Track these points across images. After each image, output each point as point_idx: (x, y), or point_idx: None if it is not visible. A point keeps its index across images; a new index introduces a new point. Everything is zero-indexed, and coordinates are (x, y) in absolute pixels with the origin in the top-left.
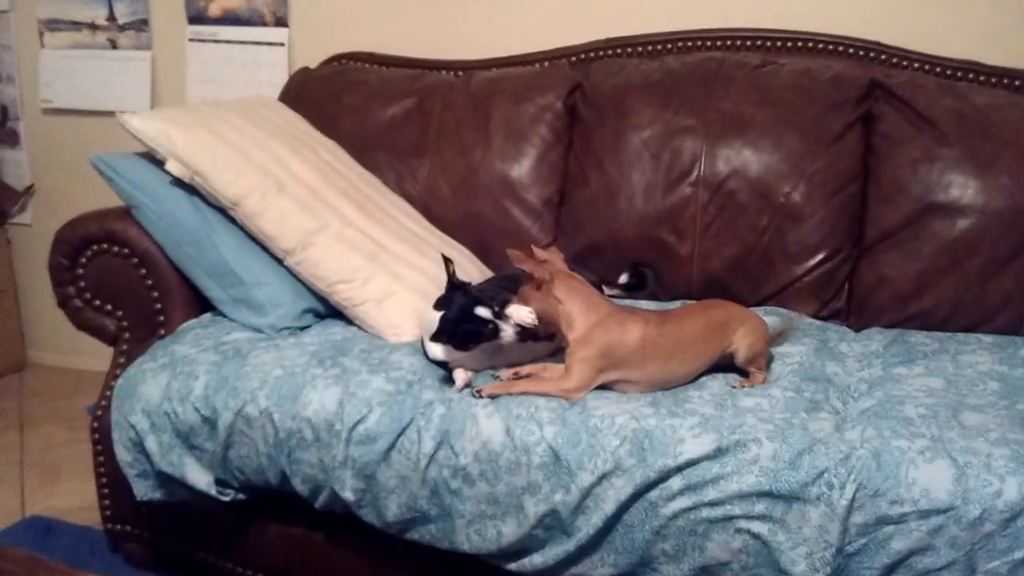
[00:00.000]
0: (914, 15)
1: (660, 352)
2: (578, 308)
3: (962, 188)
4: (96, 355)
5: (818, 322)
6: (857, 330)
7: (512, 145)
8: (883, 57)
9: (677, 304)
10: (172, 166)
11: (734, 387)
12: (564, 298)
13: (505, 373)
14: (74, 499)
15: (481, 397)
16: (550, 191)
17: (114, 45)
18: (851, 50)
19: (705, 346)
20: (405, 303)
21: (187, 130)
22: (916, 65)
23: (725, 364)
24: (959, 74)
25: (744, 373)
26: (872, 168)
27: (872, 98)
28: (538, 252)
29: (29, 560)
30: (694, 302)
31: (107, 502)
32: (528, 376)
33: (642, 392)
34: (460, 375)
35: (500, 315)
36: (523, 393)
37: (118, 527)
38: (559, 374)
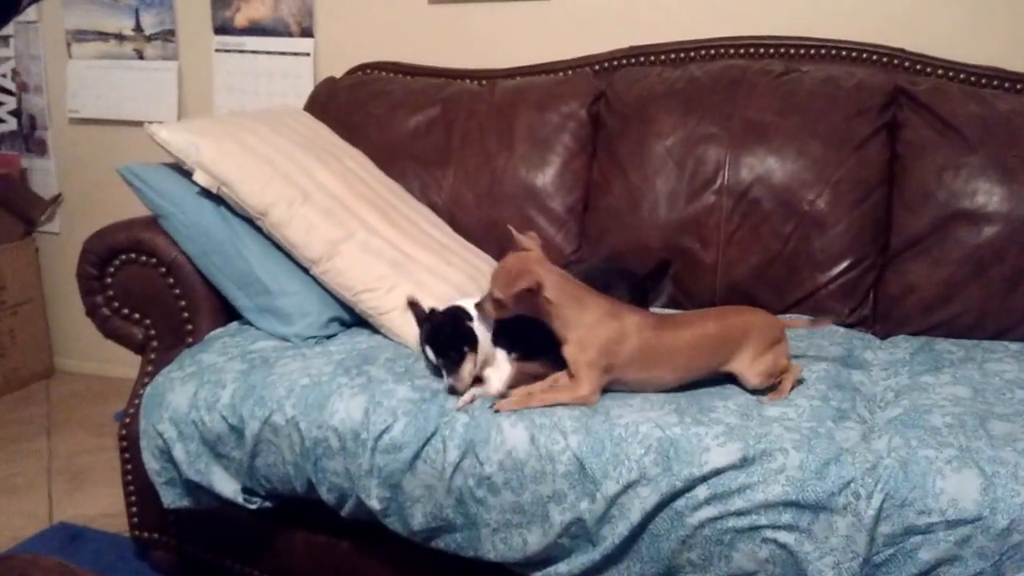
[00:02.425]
0: (938, 21)
1: (654, 355)
2: (571, 309)
3: (987, 195)
4: (123, 362)
5: (843, 330)
6: (883, 338)
7: (536, 153)
8: (907, 64)
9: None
10: (199, 176)
11: (761, 401)
12: (555, 299)
13: (518, 390)
14: (101, 506)
15: (498, 413)
16: (574, 199)
17: (141, 55)
18: (875, 57)
19: (700, 358)
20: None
21: (214, 141)
22: (940, 72)
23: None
24: (983, 80)
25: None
26: (897, 175)
27: (896, 105)
28: (520, 240)
29: (59, 568)
30: (713, 308)
31: (134, 509)
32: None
33: (630, 391)
34: (472, 391)
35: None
36: (541, 406)
37: (145, 534)
38: (568, 382)
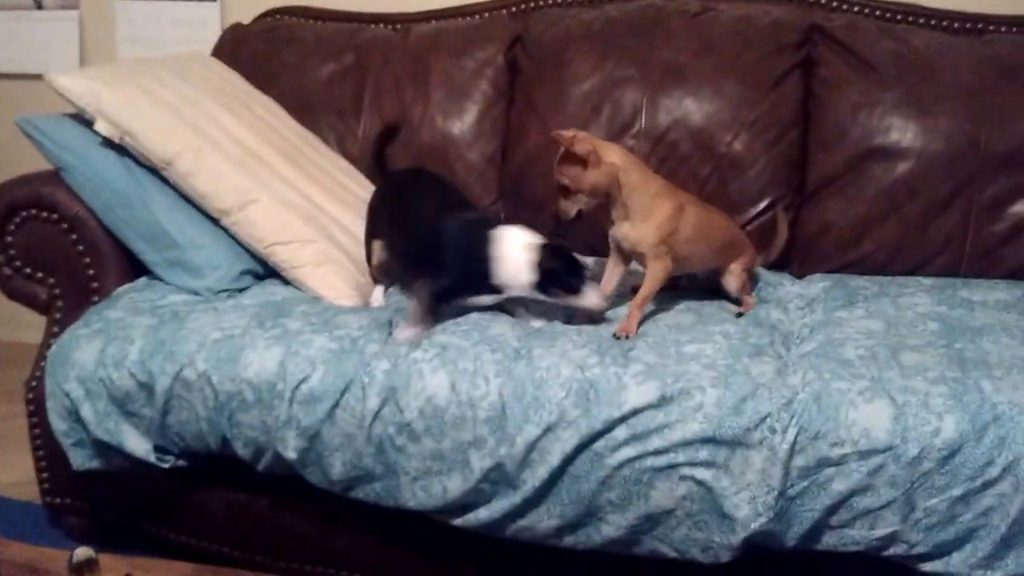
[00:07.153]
0: None
1: (703, 231)
2: (637, 179)
3: (902, 132)
4: (35, 327)
5: (763, 270)
6: (800, 277)
7: (453, 102)
8: (823, 1)
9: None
10: (101, 126)
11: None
12: (622, 164)
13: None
14: (13, 474)
15: (628, 338)
16: (492, 148)
17: (39, 5)
18: None
19: (723, 248)
20: (344, 268)
21: (116, 88)
22: (856, 8)
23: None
24: (899, 17)
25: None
26: (812, 114)
27: (811, 43)
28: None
29: None
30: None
31: (45, 475)
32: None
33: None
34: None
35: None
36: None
37: (57, 500)
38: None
